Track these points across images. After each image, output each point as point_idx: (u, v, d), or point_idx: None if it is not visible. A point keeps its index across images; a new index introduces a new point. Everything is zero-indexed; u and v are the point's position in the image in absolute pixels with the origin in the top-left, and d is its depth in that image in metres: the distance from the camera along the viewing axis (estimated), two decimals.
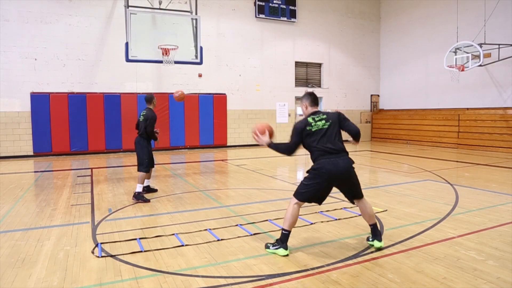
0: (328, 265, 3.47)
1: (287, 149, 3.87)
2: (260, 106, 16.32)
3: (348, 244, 3.99)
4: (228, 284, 3.11)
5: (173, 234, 4.37)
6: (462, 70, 12.94)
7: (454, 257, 3.61)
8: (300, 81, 17.45)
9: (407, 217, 4.99)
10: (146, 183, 6.52)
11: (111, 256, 3.73)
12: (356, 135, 3.94)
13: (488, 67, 13.71)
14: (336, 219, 4.90)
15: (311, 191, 3.72)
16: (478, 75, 14.27)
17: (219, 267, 3.43)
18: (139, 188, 6.16)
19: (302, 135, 3.77)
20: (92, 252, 3.84)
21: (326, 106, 18.02)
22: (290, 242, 4.08)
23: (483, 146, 13.63)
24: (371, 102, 19.32)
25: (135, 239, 4.22)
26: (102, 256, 3.72)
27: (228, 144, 15.51)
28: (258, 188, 7.16)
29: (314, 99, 3.96)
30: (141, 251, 3.84)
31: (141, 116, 6.46)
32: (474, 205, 5.62)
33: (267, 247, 3.81)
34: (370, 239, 3.92)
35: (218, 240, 4.16)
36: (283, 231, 3.74)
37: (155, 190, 6.85)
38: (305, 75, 17.62)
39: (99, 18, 13.39)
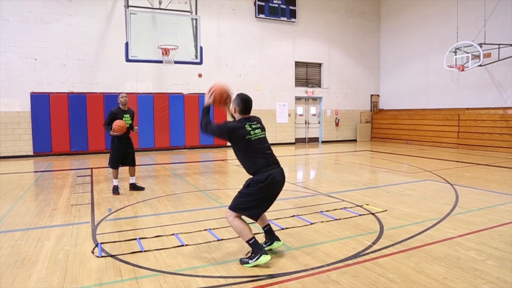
0: (328, 265, 3.47)
1: (206, 124, 3.54)
2: (260, 106, 16.31)
3: (348, 244, 3.99)
4: (228, 284, 3.11)
5: (173, 234, 4.37)
6: (462, 70, 12.94)
7: (454, 257, 3.61)
8: (300, 81, 17.45)
9: (407, 217, 4.99)
10: (131, 180, 6.96)
11: (111, 256, 3.73)
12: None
13: (488, 67, 13.71)
14: (336, 219, 4.90)
15: (258, 206, 3.46)
16: (478, 75, 14.27)
17: (219, 267, 3.43)
18: (114, 182, 6.80)
19: (233, 138, 3.51)
20: (92, 252, 3.84)
21: (326, 106, 18.03)
22: (290, 242, 4.09)
23: (483, 146, 13.63)
24: (371, 102, 19.32)
25: (135, 239, 4.22)
26: (102, 256, 3.72)
27: (228, 144, 15.49)
28: None
29: (246, 109, 3.59)
30: (141, 251, 3.84)
31: None
32: (474, 205, 5.62)
33: (245, 262, 3.45)
34: (267, 244, 3.72)
35: (218, 240, 4.16)
36: (249, 242, 3.42)
37: (142, 188, 7.03)
38: (305, 75, 17.62)
39: (99, 18, 13.39)
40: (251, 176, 3.57)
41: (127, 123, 6.74)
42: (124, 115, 6.86)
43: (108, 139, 13.38)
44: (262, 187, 3.42)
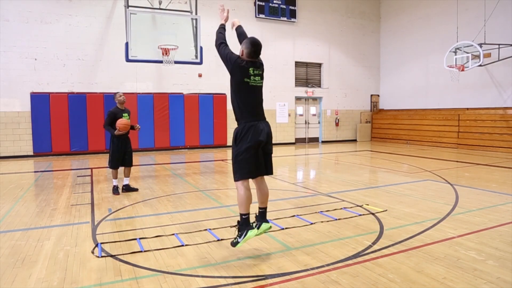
0: (328, 265, 3.46)
1: (219, 47, 3.64)
2: None
3: (348, 244, 3.99)
4: (228, 284, 3.10)
5: (173, 234, 4.37)
6: (462, 70, 12.94)
7: (454, 257, 3.61)
8: (300, 81, 17.45)
9: (407, 217, 4.99)
10: (125, 181, 6.88)
11: (111, 256, 3.73)
12: None
13: (488, 67, 13.71)
14: (336, 219, 4.90)
15: (251, 163, 3.44)
16: (478, 75, 14.28)
17: (219, 267, 3.43)
18: (114, 182, 6.80)
19: (234, 73, 3.48)
20: (92, 252, 3.84)
21: (326, 106, 18.02)
22: (290, 242, 4.09)
23: (483, 146, 13.63)
24: (371, 102, 19.32)
25: (135, 239, 4.22)
26: (102, 256, 3.72)
27: (228, 144, 15.50)
28: None
29: (255, 53, 3.52)
30: (141, 251, 3.84)
31: None
32: (474, 205, 5.62)
33: (236, 243, 3.48)
34: (256, 226, 3.60)
35: (218, 240, 4.16)
36: (243, 216, 3.45)
37: (135, 189, 6.95)
38: (305, 75, 17.62)
39: (99, 18, 13.39)
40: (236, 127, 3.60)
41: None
42: (123, 114, 6.90)
43: (108, 139, 13.41)
44: (247, 141, 3.41)
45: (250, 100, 3.52)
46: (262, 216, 3.70)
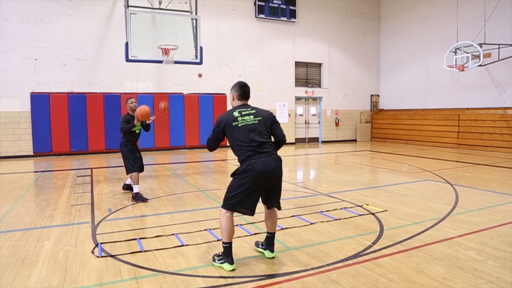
0: (328, 265, 3.46)
1: (209, 144, 3.56)
2: (260, 106, 15.98)
3: (348, 244, 3.99)
4: (228, 284, 3.10)
5: (173, 234, 4.37)
6: (462, 70, 12.94)
7: (454, 257, 3.61)
8: (300, 81, 17.45)
9: (407, 217, 4.99)
10: (128, 181, 6.66)
11: (111, 256, 3.73)
12: (280, 143, 3.55)
13: (488, 67, 13.71)
14: (336, 219, 4.90)
15: (242, 198, 3.30)
16: (478, 75, 14.28)
17: (219, 267, 3.43)
18: (136, 189, 6.19)
19: (224, 130, 3.42)
20: (92, 252, 3.84)
21: (326, 106, 18.03)
22: (290, 242, 4.09)
23: (483, 146, 13.63)
24: (371, 102, 19.32)
25: (135, 239, 4.22)
26: (102, 256, 3.72)
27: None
28: None
29: (243, 93, 3.55)
30: (141, 251, 3.84)
31: None
32: (474, 205, 5.62)
33: (213, 259, 3.50)
34: (261, 247, 3.68)
35: (218, 240, 4.16)
36: (224, 244, 3.38)
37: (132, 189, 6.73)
38: (305, 75, 17.62)
39: (99, 18, 13.39)
40: None
41: (137, 130, 6.46)
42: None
43: (109, 139, 13.42)
44: (242, 178, 3.29)
45: (245, 140, 3.34)
46: (268, 243, 3.64)
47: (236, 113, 3.42)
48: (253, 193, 3.33)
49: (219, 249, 3.88)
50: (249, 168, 3.27)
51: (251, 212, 3.41)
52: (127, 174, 6.41)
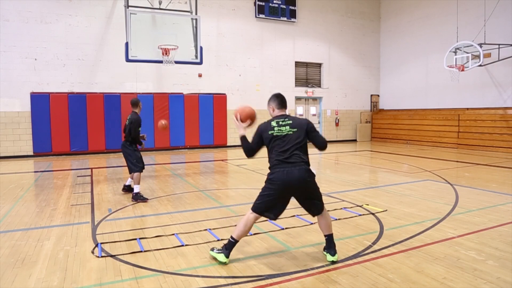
0: (328, 265, 3.47)
1: (248, 150, 3.64)
2: (260, 106, 16.23)
3: (348, 244, 3.99)
4: (228, 284, 3.10)
5: (173, 234, 4.37)
6: (462, 70, 12.94)
7: (454, 257, 3.61)
8: (300, 81, 17.45)
9: (407, 217, 4.99)
10: (128, 182, 6.65)
11: (111, 256, 3.73)
12: (322, 148, 3.64)
13: (488, 67, 13.71)
14: (336, 219, 4.90)
15: (265, 203, 3.47)
16: (478, 75, 14.28)
17: (219, 267, 3.43)
18: (136, 188, 6.20)
19: (262, 138, 3.56)
20: (92, 252, 3.84)
21: (326, 106, 18.03)
22: (290, 242, 4.09)
23: (483, 146, 13.63)
24: (371, 102, 19.32)
25: (135, 239, 4.22)
26: (102, 256, 3.72)
27: (228, 144, 15.52)
28: (258, 188, 7.11)
29: (281, 102, 3.70)
30: (141, 251, 3.84)
31: (127, 121, 6.46)
32: (474, 205, 5.62)
33: (212, 249, 3.66)
34: (325, 251, 3.64)
35: (218, 240, 4.16)
36: (231, 239, 3.52)
37: (132, 190, 6.73)
38: (305, 75, 17.63)
39: (99, 18, 13.39)
40: None
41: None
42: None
43: (109, 139, 13.41)
44: (269, 185, 3.46)
45: (278, 149, 3.48)
46: (328, 245, 3.59)
47: (274, 123, 3.57)
48: (277, 201, 3.48)
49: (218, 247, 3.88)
50: (272, 177, 3.44)
51: (275, 217, 3.57)
52: (130, 173, 6.43)
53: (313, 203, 3.55)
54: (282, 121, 3.57)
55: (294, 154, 3.44)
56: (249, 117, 3.76)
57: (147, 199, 6.21)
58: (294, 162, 3.42)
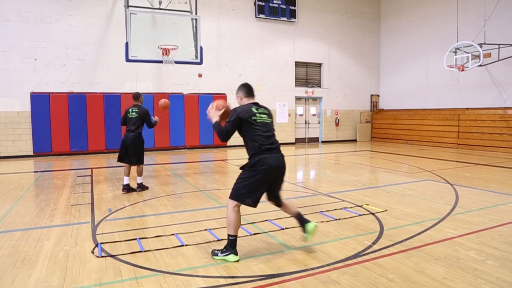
0: (328, 265, 3.47)
1: (226, 133, 3.58)
2: None
3: (348, 244, 3.99)
4: (228, 284, 3.10)
5: (173, 234, 4.37)
6: (462, 70, 12.94)
7: (454, 257, 3.61)
8: (300, 81, 17.45)
9: (407, 217, 4.99)
10: (126, 181, 6.80)
11: (111, 256, 3.73)
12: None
13: (488, 67, 13.71)
14: (336, 219, 4.90)
15: (251, 189, 3.48)
16: (478, 75, 14.28)
17: (219, 267, 3.43)
18: (141, 179, 6.91)
19: (240, 121, 3.55)
20: (92, 252, 3.84)
21: (326, 106, 18.03)
22: (290, 242, 4.09)
23: (483, 146, 13.63)
24: (371, 102, 19.32)
25: (135, 239, 4.22)
26: (102, 256, 3.72)
27: (228, 144, 15.51)
28: None
29: (248, 90, 3.79)
30: (141, 251, 3.84)
31: (133, 113, 6.76)
32: (474, 205, 5.62)
33: (215, 254, 3.60)
34: (302, 231, 3.79)
35: (218, 240, 4.16)
36: (230, 237, 3.53)
37: (134, 190, 6.99)
38: (305, 75, 17.63)
39: (99, 18, 13.39)
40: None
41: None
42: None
43: (109, 139, 13.41)
44: (252, 170, 3.49)
45: (259, 135, 3.56)
46: (301, 220, 3.79)
47: (254, 109, 3.63)
48: (261, 185, 3.54)
49: (218, 248, 3.88)
50: (261, 161, 3.48)
51: (255, 204, 3.57)
52: (140, 164, 6.82)
53: (280, 189, 3.78)
54: (259, 108, 3.68)
55: (275, 141, 3.66)
56: (223, 107, 3.78)
57: (148, 187, 7.02)
58: (277, 148, 3.63)
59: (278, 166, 3.57)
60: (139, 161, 6.80)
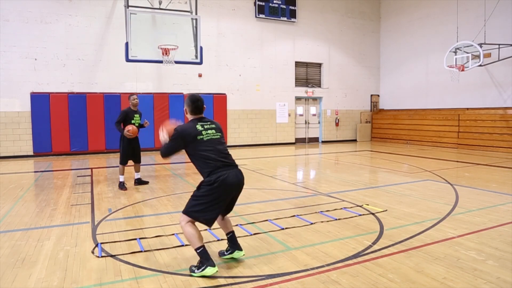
0: (328, 265, 3.46)
1: (167, 152, 3.45)
2: (260, 106, 16.31)
3: (348, 244, 3.99)
4: (228, 284, 3.10)
5: (173, 234, 4.37)
6: (462, 70, 12.94)
7: (454, 257, 3.61)
8: (300, 81, 17.45)
9: (407, 217, 4.99)
10: (137, 175, 7.40)
11: (111, 256, 3.73)
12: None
13: (488, 67, 13.71)
14: (336, 219, 4.90)
15: (207, 207, 3.26)
16: (478, 75, 14.28)
17: (219, 267, 3.43)
18: (139, 175, 7.43)
19: (187, 142, 3.36)
20: (92, 252, 3.84)
21: (326, 106, 18.03)
22: (290, 242, 4.09)
23: (483, 146, 13.63)
24: (371, 102, 19.32)
25: (135, 239, 4.22)
26: (102, 256, 3.72)
27: (228, 144, 15.51)
28: (258, 188, 7.16)
29: (196, 107, 3.50)
30: (141, 251, 3.84)
31: (139, 115, 7.49)
32: (474, 205, 5.62)
33: (192, 271, 3.30)
34: (227, 252, 3.58)
35: (218, 240, 4.16)
36: (198, 250, 3.25)
37: (146, 182, 7.57)
38: (305, 75, 17.62)
39: (99, 18, 13.38)
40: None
41: (136, 123, 7.20)
42: (135, 115, 7.22)
43: (109, 139, 13.41)
44: (212, 188, 3.25)
45: (211, 153, 3.35)
46: (232, 242, 3.58)
47: (199, 126, 3.40)
48: (220, 203, 3.31)
49: (219, 248, 3.88)
50: (220, 179, 3.25)
51: (210, 224, 3.37)
52: (139, 163, 7.38)
53: (234, 203, 3.60)
54: (206, 124, 3.46)
55: (229, 156, 3.48)
56: (171, 131, 3.54)
57: (125, 189, 7.09)
58: (233, 163, 3.46)
59: (238, 184, 3.38)
60: (140, 160, 7.46)
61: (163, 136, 3.51)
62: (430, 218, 4.92)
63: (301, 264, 3.49)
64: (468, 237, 4.18)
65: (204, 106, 3.59)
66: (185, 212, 3.33)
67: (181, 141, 3.37)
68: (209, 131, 3.42)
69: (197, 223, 3.37)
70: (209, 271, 3.20)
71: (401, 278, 3.18)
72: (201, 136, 3.36)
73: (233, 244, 3.58)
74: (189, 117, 3.57)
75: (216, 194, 3.26)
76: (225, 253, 3.62)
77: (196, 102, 3.51)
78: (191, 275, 3.28)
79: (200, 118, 3.52)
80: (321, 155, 13.19)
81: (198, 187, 3.37)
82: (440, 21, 15.79)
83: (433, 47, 16.12)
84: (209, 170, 3.32)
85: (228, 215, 3.67)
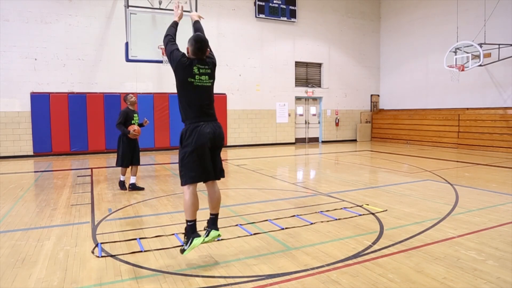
0: (328, 265, 3.46)
1: (167, 43, 3.52)
2: (260, 106, 16.31)
3: (348, 244, 3.99)
4: (228, 284, 3.10)
5: (173, 234, 4.37)
6: (462, 70, 12.94)
7: (454, 257, 3.61)
8: (300, 81, 17.45)
9: (407, 217, 4.99)
10: (132, 180, 7.02)
11: (111, 256, 3.73)
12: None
13: (488, 67, 13.71)
14: (336, 219, 4.90)
15: (194, 165, 3.29)
16: (478, 75, 14.28)
17: (219, 267, 3.43)
18: (134, 179, 7.05)
19: (177, 69, 3.36)
20: (92, 252, 3.84)
21: (326, 106, 18.03)
22: (290, 242, 4.09)
23: (483, 146, 13.63)
24: (371, 102, 19.32)
25: (135, 239, 4.22)
26: (102, 256, 3.72)
27: (228, 144, 15.51)
28: (258, 188, 7.16)
29: (198, 49, 3.43)
30: (141, 251, 3.84)
31: (137, 115, 7.32)
32: (474, 205, 5.62)
33: (183, 250, 3.39)
34: (205, 235, 3.50)
35: (218, 240, 4.16)
36: (189, 223, 3.35)
37: (141, 189, 7.07)
38: (305, 75, 17.63)
39: (99, 18, 13.39)
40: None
41: (136, 123, 7.10)
42: (134, 115, 7.13)
43: (109, 139, 13.41)
44: (191, 142, 3.29)
45: (195, 101, 3.37)
46: (212, 223, 3.58)
47: (195, 69, 3.38)
48: (200, 159, 3.34)
49: (219, 248, 3.89)
50: (193, 129, 3.31)
51: (195, 180, 3.38)
52: (138, 165, 7.13)
53: (221, 161, 3.60)
54: (202, 69, 3.42)
55: (212, 107, 3.49)
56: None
57: (125, 189, 7.00)
58: (211, 115, 3.45)
59: (213, 137, 3.38)
60: (139, 161, 7.17)
61: (178, 12, 3.84)
62: (430, 218, 4.92)
63: (301, 264, 3.49)
64: (468, 237, 4.18)
65: (208, 49, 3.57)
66: (181, 183, 3.43)
67: (174, 65, 3.41)
68: (203, 77, 3.41)
69: (200, 195, 3.42)
70: (197, 241, 3.28)
71: (401, 278, 3.18)
72: (192, 80, 3.36)
73: (211, 223, 3.57)
74: (190, 57, 3.50)
75: (194, 146, 3.29)
76: (204, 236, 3.51)
77: (200, 43, 3.46)
78: (183, 251, 3.39)
79: (201, 59, 3.46)
80: (321, 155, 13.20)
81: (179, 143, 3.41)
82: (440, 21, 15.79)
83: (433, 47, 16.12)
84: (186, 116, 3.38)
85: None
